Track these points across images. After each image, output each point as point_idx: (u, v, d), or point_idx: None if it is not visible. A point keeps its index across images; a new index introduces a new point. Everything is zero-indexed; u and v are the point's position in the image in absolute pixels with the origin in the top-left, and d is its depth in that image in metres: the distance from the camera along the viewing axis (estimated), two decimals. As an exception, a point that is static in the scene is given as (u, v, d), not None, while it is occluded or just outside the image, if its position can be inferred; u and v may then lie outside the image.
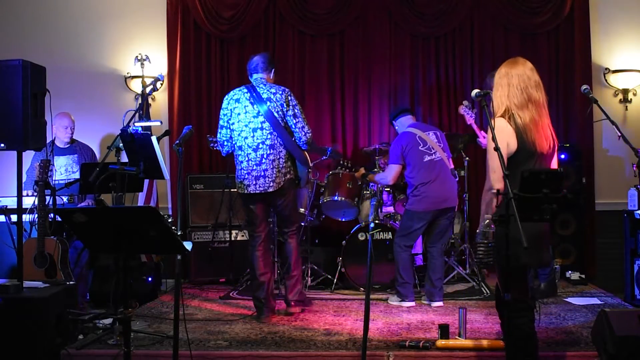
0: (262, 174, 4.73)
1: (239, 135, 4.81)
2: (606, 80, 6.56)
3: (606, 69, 6.54)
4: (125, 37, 6.77)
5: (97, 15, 6.80)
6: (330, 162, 6.63)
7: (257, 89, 4.82)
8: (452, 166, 5.52)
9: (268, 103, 4.75)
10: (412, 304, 5.27)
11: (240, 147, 4.81)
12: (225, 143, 4.91)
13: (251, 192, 4.77)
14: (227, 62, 6.77)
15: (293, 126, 4.79)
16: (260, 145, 4.75)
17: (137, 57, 6.54)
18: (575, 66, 6.47)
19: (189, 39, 6.72)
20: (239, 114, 4.81)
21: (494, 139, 3.02)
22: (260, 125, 4.75)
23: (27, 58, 4.16)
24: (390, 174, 5.40)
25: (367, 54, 6.71)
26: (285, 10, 6.64)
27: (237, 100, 4.84)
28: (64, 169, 5.87)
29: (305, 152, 4.95)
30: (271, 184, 4.74)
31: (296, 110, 4.79)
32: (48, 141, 5.64)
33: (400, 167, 5.36)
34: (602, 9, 6.56)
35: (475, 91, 3.26)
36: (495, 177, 3.09)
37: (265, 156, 4.74)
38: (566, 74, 6.52)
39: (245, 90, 4.86)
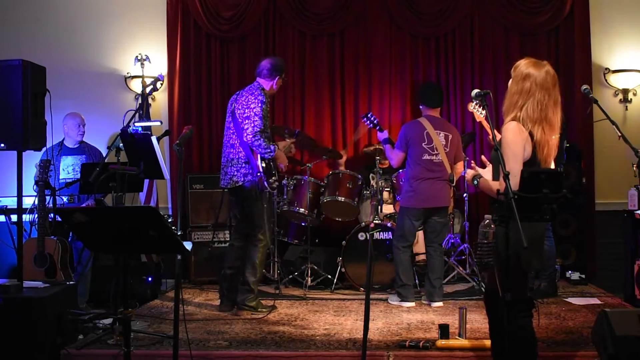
0: (226, 170, 5.03)
1: (223, 134, 5.19)
2: (606, 80, 6.55)
3: (606, 69, 6.54)
4: (125, 37, 6.77)
5: (97, 15, 6.79)
6: (331, 161, 6.63)
7: (243, 92, 5.06)
8: (461, 169, 5.47)
9: (235, 105, 5.02)
10: (412, 304, 5.27)
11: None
12: None
13: (221, 185, 5.10)
14: (227, 62, 6.77)
15: (244, 127, 4.90)
16: (227, 144, 5.07)
17: (137, 57, 6.54)
18: (575, 66, 6.46)
19: (189, 39, 6.71)
20: (225, 115, 5.18)
21: (494, 139, 3.02)
22: (229, 126, 5.08)
23: (27, 58, 4.16)
24: (395, 157, 5.43)
25: (367, 54, 6.71)
26: (285, 10, 6.64)
27: (229, 104, 5.19)
28: (71, 168, 5.87)
29: (259, 156, 4.91)
30: (229, 181, 5.01)
31: (251, 113, 4.88)
32: (57, 142, 5.68)
33: (404, 154, 5.37)
34: (602, 9, 6.55)
35: (475, 91, 3.25)
36: (515, 182, 2.88)
37: (228, 154, 5.04)
38: (566, 74, 6.51)
39: (236, 94, 5.17)
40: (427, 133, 5.31)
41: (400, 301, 5.31)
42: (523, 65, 3.16)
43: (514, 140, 3.04)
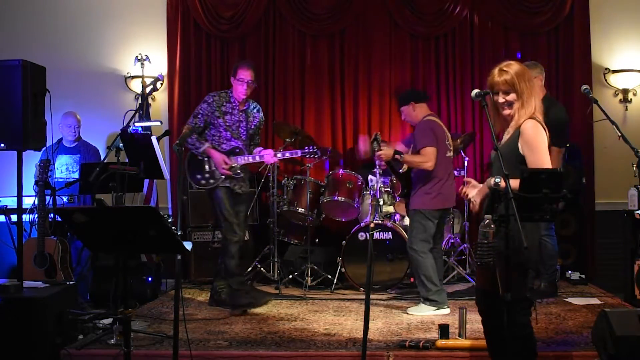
0: None
1: None
2: (606, 80, 6.56)
3: (606, 69, 6.54)
4: (125, 37, 6.77)
5: (97, 15, 6.80)
6: (331, 161, 6.63)
7: None
8: None
9: None
10: (448, 310, 4.97)
11: None
12: None
13: None
14: (227, 62, 6.77)
15: None
16: None
17: (137, 57, 6.54)
18: (575, 66, 6.46)
19: (189, 39, 6.72)
20: None
21: (493, 138, 3.02)
22: None
23: (27, 58, 4.16)
24: (430, 157, 4.89)
25: (367, 54, 6.71)
26: (285, 10, 6.64)
27: None
28: (64, 168, 5.87)
29: (187, 157, 5.16)
30: None
31: None
32: (55, 140, 5.68)
33: (437, 150, 4.93)
34: (602, 9, 6.55)
35: (475, 91, 3.24)
36: None
37: None
38: (566, 74, 6.52)
39: None
40: (445, 129, 5.16)
41: (436, 310, 4.94)
42: (516, 72, 3.17)
43: (542, 138, 3.10)
